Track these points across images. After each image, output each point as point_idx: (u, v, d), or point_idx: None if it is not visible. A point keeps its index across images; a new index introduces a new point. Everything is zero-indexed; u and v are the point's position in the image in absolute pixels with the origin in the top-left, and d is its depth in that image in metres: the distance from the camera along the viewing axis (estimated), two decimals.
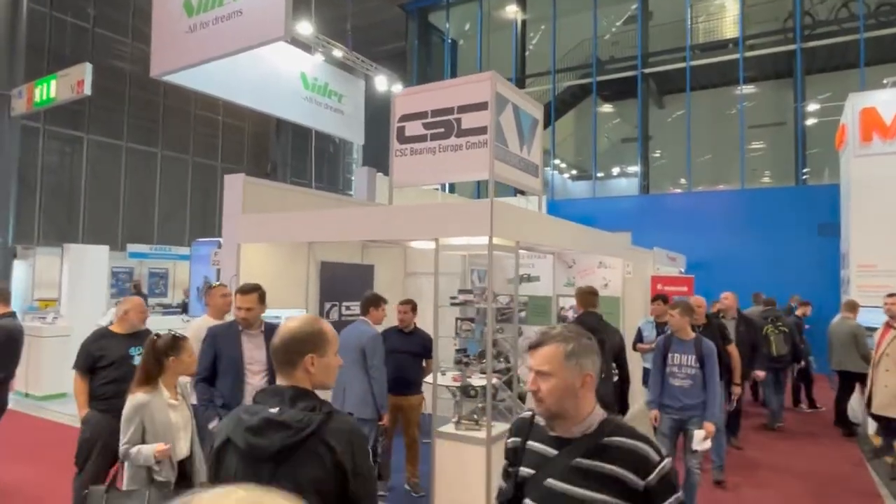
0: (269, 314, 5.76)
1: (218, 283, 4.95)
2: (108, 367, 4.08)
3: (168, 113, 17.93)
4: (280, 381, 1.72)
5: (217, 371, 3.91)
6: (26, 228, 14.48)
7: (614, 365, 4.88)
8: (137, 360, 3.60)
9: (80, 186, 16.00)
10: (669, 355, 4.78)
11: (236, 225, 5.74)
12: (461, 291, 4.97)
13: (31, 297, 12.03)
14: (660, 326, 6.50)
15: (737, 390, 5.95)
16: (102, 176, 16.27)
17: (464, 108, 4.63)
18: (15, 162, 12.71)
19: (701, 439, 4.59)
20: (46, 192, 15.36)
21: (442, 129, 4.72)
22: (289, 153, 20.29)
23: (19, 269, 12.68)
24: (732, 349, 5.86)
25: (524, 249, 7.28)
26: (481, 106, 4.55)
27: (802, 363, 8.91)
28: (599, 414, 1.69)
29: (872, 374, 5.87)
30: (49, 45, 15.08)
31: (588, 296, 5.05)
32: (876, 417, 6.02)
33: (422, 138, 4.81)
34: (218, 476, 1.65)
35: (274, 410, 1.62)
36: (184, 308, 11.22)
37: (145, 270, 15.41)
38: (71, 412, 4.49)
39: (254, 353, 3.96)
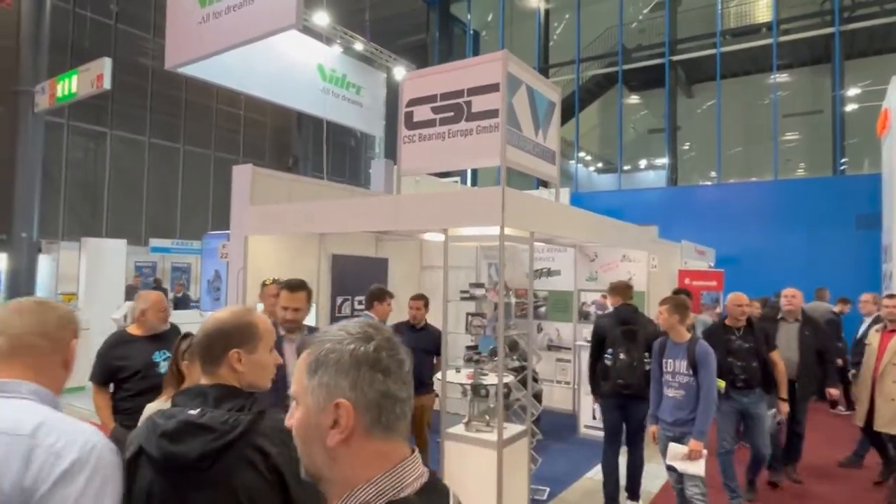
0: None
1: (272, 279, 4.32)
2: (132, 378, 3.55)
3: (190, 108, 18.04)
4: (204, 381, 1.52)
5: None
6: (51, 223, 14.69)
7: (647, 354, 4.57)
8: (165, 368, 3.29)
9: (104, 181, 16.19)
10: (664, 361, 4.16)
11: (243, 216, 5.60)
12: (472, 285, 4.70)
13: (55, 291, 12.16)
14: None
15: (783, 408, 4.92)
16: (125, 171, 16.44)
17: (474, 91, 4.37)
18: (39, 158, 12.86)
19: (678, 455, 3.88)
20: (70, 188, 15.57)
21: (451, 114, 4.46)
22: (310, 148, 20.25)
23: (44, 264, 12.86)
24: (776, 357, 4.88)
25: (542, 242, 6.99)
26: (492, 87, 4.28)
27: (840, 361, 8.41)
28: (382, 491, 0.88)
29: (873, 387, 5.00)
30: (72, 41, 15.24)
31: (624, 289, 5.12)
32: (875, 435, 5.19)
33: (430, 123, 4.56)
34: (131, 494, 1.38)
35: (194, 412, 1.42)
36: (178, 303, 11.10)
37: (168, 265, 15.52)
38: (88, 406, 4.35)
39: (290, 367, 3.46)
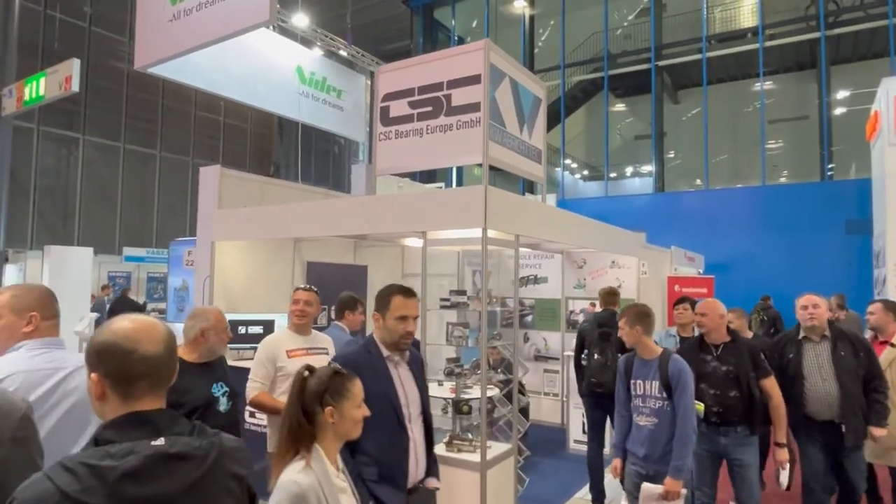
0: (244, 318, 5.24)
1: (308, 286, 3.79)
2: (190, 418, 2.86)
3: (167, 114, 17.59)
4: (147, 406, 1.22)
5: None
6: (19, 232, 14.13)
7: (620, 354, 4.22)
8: (224, 405, 2.70)
9: (76, 188, 15.65)
10: (632, 383, 3.42)
11: (210, 221, 5.24)
12: (453, 293, 4.37)
13: None
14: (685, 341, 4.61)
15: (780, 456, 3.65)
16: (99, 178, 15.92)
17: (454, 83, 4.06)
18: (7, 163, 12.35)
19: (653, 497, 3.17)
20: (41, 195, 15.02)
21: (430, 108, 4.14)
22: (292, 155, 19.88)
23: (10, 273, 12.33)
24: (770, 385, 3.61)
25: (529, 248, 6.70)
26: (473, 79, 3.97)
27: None
28: None
29: None
30: (42, 44, 14.77)
31: (606, 295, 5.35)
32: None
33: (408, 119, 4.24)
34: None
35: (160, 442, 1.15)
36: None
37: (143, 274, 15.01)
38: None
39: (409, 390, 2.54)
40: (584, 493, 5.19)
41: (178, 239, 7.05)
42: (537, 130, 4.70)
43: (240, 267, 5.41)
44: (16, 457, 1.39)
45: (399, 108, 4.29)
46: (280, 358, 3.38)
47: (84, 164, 15.70)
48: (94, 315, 7.79)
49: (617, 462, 3.50)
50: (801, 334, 3.94)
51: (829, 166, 14.03)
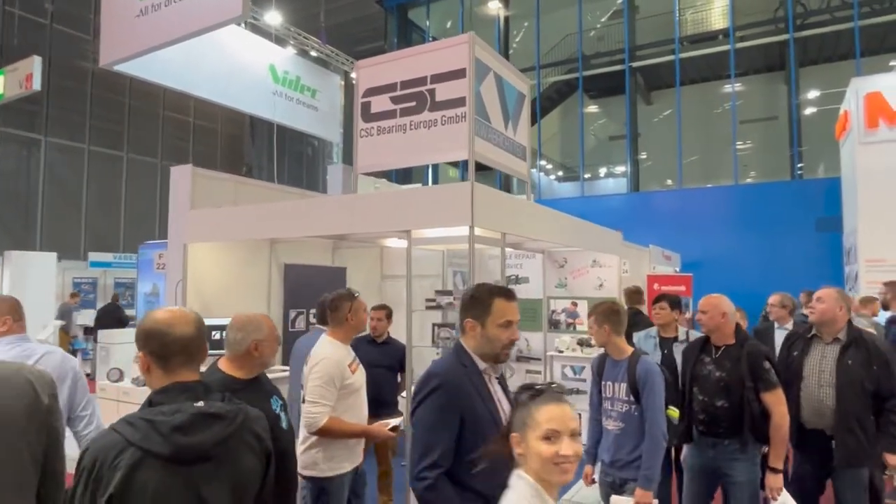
0: (220, 323, 5.04)
1: (356, 291, 3.52)
2: None
3: (135, 114, 17.06)
4: (186, 378, 1.56)
5: (462, 450, 1.97)
6: None
7: None
8: (285, 421, 2.45)
9: (38, 192, 15.04)
10: (603, 384, 3.22)
11: (182, 222, 5.03)
12: (439, 293, 4.25)
13: None
14: (665, 342, 4.35)
15: (773, 482, 3.14)
16: (62, 181, 15.33)
17: (438, 77, 3.95)
18: None
19: None
20: (1, 198, 14.40)
21: (413, 103, 4.03)
22: (264, 156, 19.51)
23: None
24: (773, 400, 3.13)
25: (511, 247, 6.62)
26: (458, 74, 3.87)
27: None
28: None
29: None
30: (2, 42, 14.17)
31: (633, 294, 5.77)
32: None
33: (390, 114, 4.12)
34: (126, 501, 1.36)
35: (200, 404, 1.49)
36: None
37: (109, 280, 14.51)
38: None
39: (507, 411, 2.10)
40: (572, 495, 5.11)
41: (147, 242, 6.78)
42: (522, 127, 4.62)
43: (214, 270, 5.21)
44: (54, 408, 1.79)
45: (381, 103, 4.17)
46: (345, 375, 3.12)
47: (46, 167, 15.10)
48: (59, 322, 7.45)
49: (588, 469, 3.33)
50: (812, 332, 3.55)
51: (799, 165, 14.34)
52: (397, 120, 4.08)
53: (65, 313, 10.10)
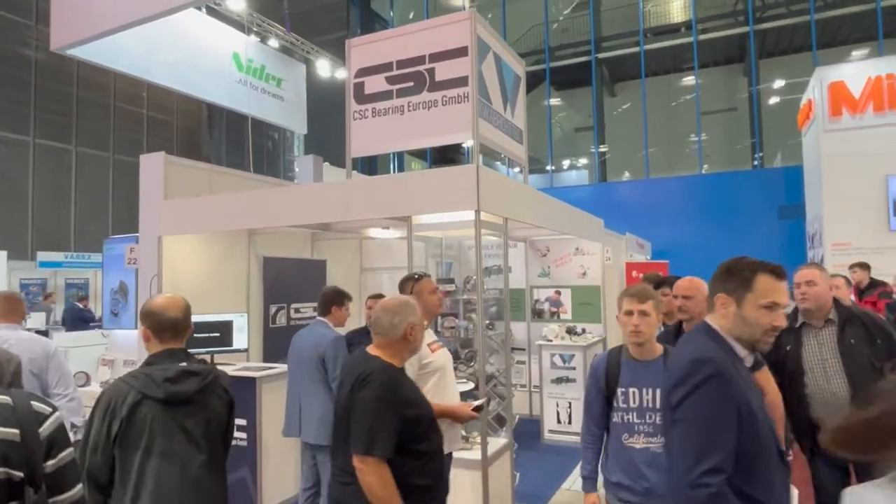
0: (199, 320, 4.74)
1: (425, 273, 3.32)
2: (426, 436, 2.24)
3: (83, 105, 16.10)
4: (173, 346, 2.12)
5: (738, 452, 1.66)
6: None
7: None
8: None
9: None
10: (619, 392, 2.52)
11: (155, 214, 4.71)
12: (441, 281, 4.09)
13: None
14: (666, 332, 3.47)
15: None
16: (6, 176, 14.33)
17: (438, 56, 3.79)
18: None
19: None
20: None
21: (411, 83, 3.85)
22: (223, 149, 18.79)
23: None
24: (762, 378, 2.61)
25: (492, 236, 6.51)
26: (460, 52, 3.72)
27: None
28: None
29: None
30: None
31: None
32: None
33: (386, 95, 3.93)
34: (131, 429, 1.96)
35: (183, 364, 2.07)
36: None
37: (60, 281, 13.71)
38: None
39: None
40: (570, 484, 5.06)
41: (113, 237, 6.35)
42: (518, 110, 4.50)
43: (191, 264, 4.90)
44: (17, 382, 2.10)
45: (375, 83, 3.97)
46: (425, 354, 2.94)
47: None
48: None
49: (594, 498, 2.58)
50: (800, 320, 3.10)
51: (758, 155, 14.76)
52: (394, 101, 3.90)
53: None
